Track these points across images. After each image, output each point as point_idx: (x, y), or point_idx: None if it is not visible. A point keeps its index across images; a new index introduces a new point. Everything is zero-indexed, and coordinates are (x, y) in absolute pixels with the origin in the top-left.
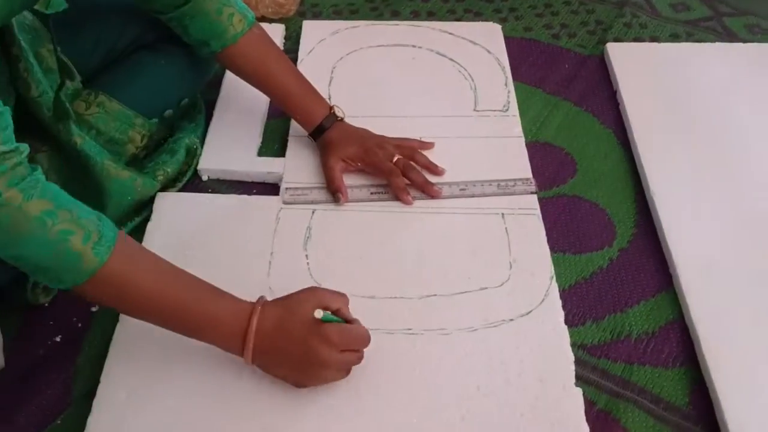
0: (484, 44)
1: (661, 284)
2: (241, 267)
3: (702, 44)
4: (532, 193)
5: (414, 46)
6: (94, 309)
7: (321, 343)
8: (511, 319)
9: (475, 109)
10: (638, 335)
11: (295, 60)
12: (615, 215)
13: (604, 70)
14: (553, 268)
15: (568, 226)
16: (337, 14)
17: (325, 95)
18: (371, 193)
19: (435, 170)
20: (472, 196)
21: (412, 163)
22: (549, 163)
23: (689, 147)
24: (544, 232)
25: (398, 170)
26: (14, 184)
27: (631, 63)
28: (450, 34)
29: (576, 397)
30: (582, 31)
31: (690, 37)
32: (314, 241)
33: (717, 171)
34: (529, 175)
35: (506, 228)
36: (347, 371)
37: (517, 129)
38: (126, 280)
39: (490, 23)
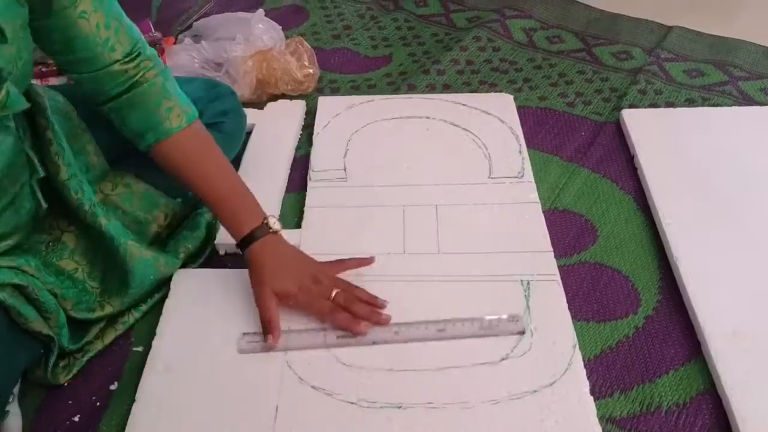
0: (497, 114)
1: (690, 352)
2: (260, 343)
3: (719, 108)
4: (519, 333)
5: (428, 118)
6: (112, 387)
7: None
8: (535, 391)
9: (490, 176)
10: (669, 407)
11: (311, 134)
12: (638, 282)
13: (621, 136)
14: (575, 336)
15: (590, 294)
16: (354, 89)
17: (340, 167)
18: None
19: (375, 303)
20: (453, 338)
21: (353, 294)
22: (569, 230)
23: (711, 211)
24: (564, 299)
25: (337, 309)
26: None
27: (648, 128)
28: (463, 105)
29: None
30: (597, 98)
31: (706, 102)
32: None
33: (741, 234)
34: (547, 240)
35: (526, 294)
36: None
37: (533, 195)
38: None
39: (502, 94)
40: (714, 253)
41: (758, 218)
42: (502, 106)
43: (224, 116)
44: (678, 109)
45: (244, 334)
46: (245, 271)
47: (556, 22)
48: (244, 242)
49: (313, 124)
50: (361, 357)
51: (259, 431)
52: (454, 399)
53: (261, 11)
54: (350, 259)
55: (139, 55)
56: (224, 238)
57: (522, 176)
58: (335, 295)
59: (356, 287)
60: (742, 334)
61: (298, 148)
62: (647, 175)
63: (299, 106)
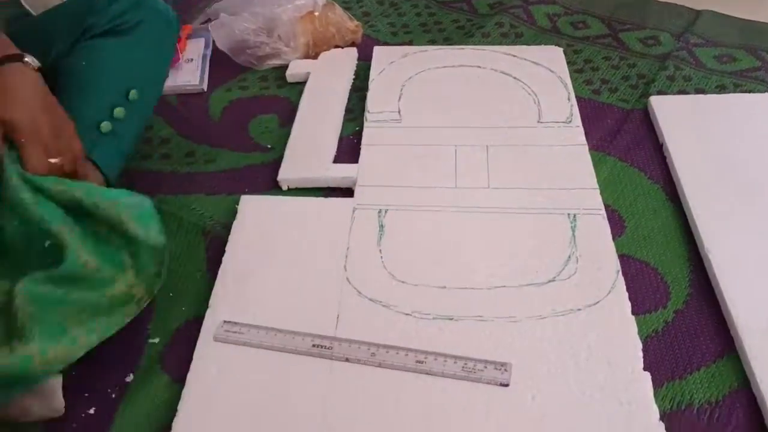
0: (546, 65)
1: (723, 348)
2: (320, 262)
3: (750, 95)
4: (503, 385)
5: (479, 67)
6: (128, 379)
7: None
8: (579, 309)
9: (539, 121)
10: (701, 404)
11: (367, 79)
12: (668, 275)
13: (649, 123)
14: (619, 263)
15: None
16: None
17: (394, 109)
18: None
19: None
20: (429, 373)
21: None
22: None
23: (743, 201)
24: (609, 231)
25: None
26: None
27: (677, 116)
28: (513, 56)
29: (645, 380)
30: (624, 85)
31: (738, 88)
32: (387, 238)
33: None
34: (593, 178)
35: (572, 226)
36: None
37: (581, 137)
38: None
39: (552, 47)
40: (747, 245)
41: None
42: (552, 57)
43: (120, 18)
44: (709, 95)
45: (225, 321)
46: (308, 199)
47: (580, 8)
48: None
49: (364, 73)
50: (414, 275)
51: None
52: (502, 314)
53: None
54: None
55: None
56: (286, 173)
57: (570, 121)
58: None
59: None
60: None
61: (351, 93)
62: (677, 164)
63: (351, 53)
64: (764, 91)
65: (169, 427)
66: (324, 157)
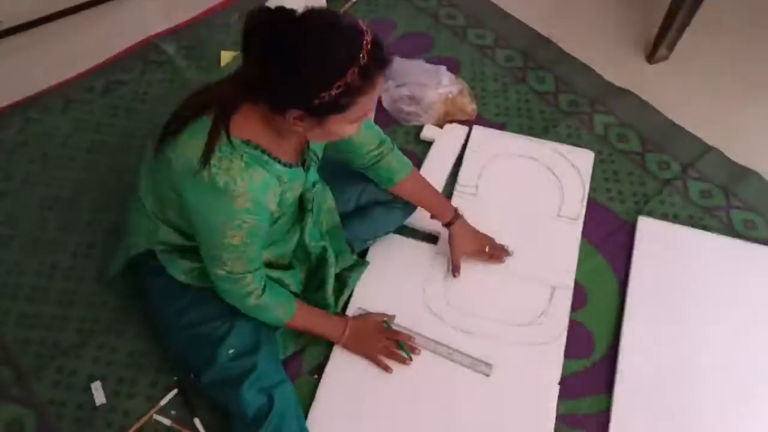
0: (579, 167)
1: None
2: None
3: (709, 234)
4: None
5: (536, 159)
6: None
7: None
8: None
9: (558, 215)
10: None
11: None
12: (598, 338)
13: (633, 235)
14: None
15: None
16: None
17: (473, 183)
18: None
19: (508, 253)
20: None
21: (495, 248)
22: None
23: (666, 321)
24: (570, 302)
25: (491, 256)
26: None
27: (652, 238)
28: (561, 154)
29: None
30: (631, 200)
31: (701, 221)
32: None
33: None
34: (574, 269)
35: (551, 293)
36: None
37: (578, 233)
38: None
39: (587, 151)
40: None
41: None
42: (585, 160)
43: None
44: (684, 228)
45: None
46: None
47: (627, 122)
48: (448, 224)
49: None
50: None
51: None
52: (498, 333)
53: (444, 67)
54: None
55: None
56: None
57: (576, 219)
58: (488, 250)
59: (502, 248)
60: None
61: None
62: (632, 279)
63: (464, 130)
64: (718, 228)
65: None
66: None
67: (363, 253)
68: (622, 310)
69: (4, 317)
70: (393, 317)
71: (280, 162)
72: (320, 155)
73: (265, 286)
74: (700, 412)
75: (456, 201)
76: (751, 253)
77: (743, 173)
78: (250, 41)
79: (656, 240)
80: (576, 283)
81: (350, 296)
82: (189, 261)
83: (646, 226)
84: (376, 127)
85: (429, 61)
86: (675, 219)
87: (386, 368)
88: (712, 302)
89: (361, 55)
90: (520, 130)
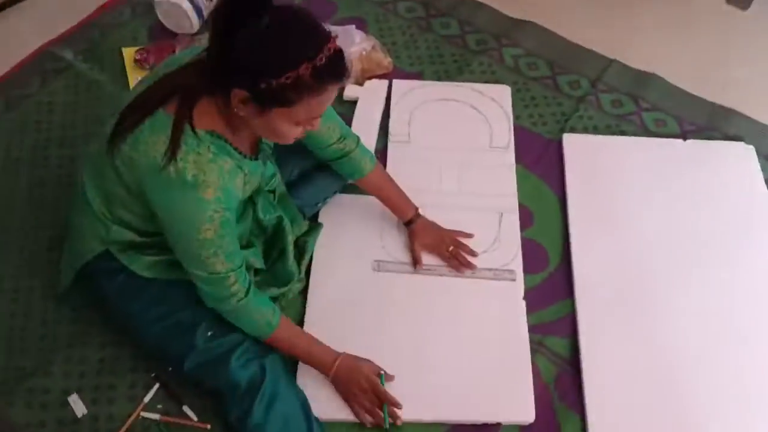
0: (499, 101)
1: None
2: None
3: (626, 138)
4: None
5: (456, 101)
6: None
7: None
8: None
9: (490, 146)
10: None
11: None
12: (551, 250)
13: (561, 153)
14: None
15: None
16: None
17: (405, 132)
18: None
19: (473, 254)
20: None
21: (459, 250)
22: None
23: (606, 221)
24: (518, 224)
25: (453, 255)
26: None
27: (579, 151)
28: (480, 93)
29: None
30: (552, 120)
31: (618, 128)
32: None
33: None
34: (515, 193)
35: (499, 220)
36: (371, 411)
37: (512, 159)
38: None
39: (504, 86)
40: (596, 239)
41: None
42: (503, 94)
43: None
44: (602, 137)
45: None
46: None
47: (534, 51)
48: (408, 222)
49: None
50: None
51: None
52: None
53: (353, 26)
54: (461, 232)
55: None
56: None
57: (507, 147)
58: (451, 249)
59: (463, 245)
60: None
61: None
62: (569, 191)
63: (384, 84)
64: (634, 132)
65: None
66: None
67: (314, 217)
68: (567, 220)
69: None
70: (392, 377)
71: (240, 153)
72: (272, 149)
73: (249, 290)
74: (655, 292)
75: (391, 151)
76: (667, 148)
77: (645, 78)
78: (220, 21)
79: (583, 152)
80: (520, 205)
81: (311, 260)
82: (150, 255)
83: (571, 141)
84: (340, 122)
85: (336, 24)
86: (595, 130)
87: (363, 421)
88: (642, 197)
89: (319, 57)
90: (437, 76)
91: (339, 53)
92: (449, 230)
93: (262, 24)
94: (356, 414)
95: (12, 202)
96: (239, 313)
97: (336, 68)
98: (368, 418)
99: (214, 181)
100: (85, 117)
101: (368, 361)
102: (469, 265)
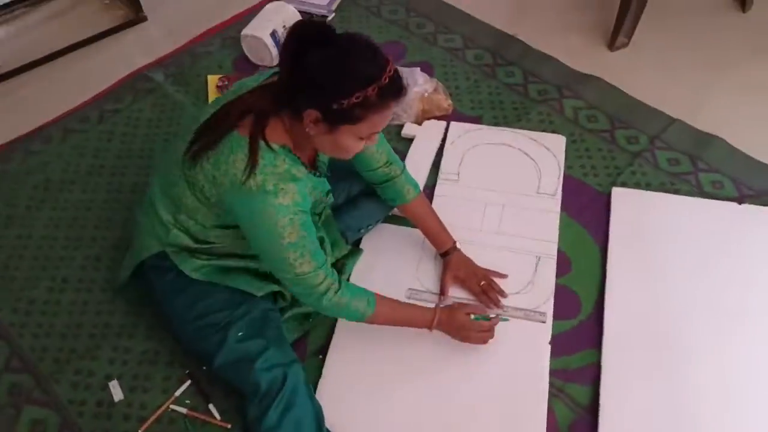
0: (552, 150)
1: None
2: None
3: (678, 196)
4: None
5: (510, 146)
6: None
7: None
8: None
9: (537, 192)
10: (574, 369)
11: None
12: (584, 299)
13: (609, 206)
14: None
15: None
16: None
17: (455, 171)
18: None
19: (502, 294)
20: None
21: (491, 287)
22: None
23: (647, 278)
24: (555, 269)
25: (484, 291)
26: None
27: (627, 206)
28: (534, 140)
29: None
30: (603, 173)
31: (671, 186)
32: None
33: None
34: (556, 240)
35: (536, 263)
36: (484, 341)
37: (558, 207)
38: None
39: (559, 135)
40: (635, 291)
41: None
42: (557, 143)
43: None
44: (655, 193)
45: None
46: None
47: (595, 104)
48: (445, 254)
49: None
50: None
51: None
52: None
53: (418, 68)
54: (494, 271)
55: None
56: None
57: (555, 195)
58: (483, 284)
59: (495, 282)
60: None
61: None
62: (610, 244)
63: (441, 125)
64: (688, 192)
65: None
66: None
67: (356, 243)
68: (605, 272)
69: (21, 330)
70: (485, 313)
71: (305, 166)
72: (327, 168)
73: (340, 282)
74: (685, 356)
75: (440, 187)
76: (721, 210)
77: (707, 139)
78: (291, 47)
79: (631, 206)
80: (559, 252)
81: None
82: (200, 259)
83: (621, 195)
84: (388, 147)
85: (403, 66)
86: (647, 187)
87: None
88: (687, 257)
89: (383, 77)
90: (495, 122)
91: (398, 73)
92: (483, 268)
93: (331, 51)
94: (476, 341)
95: (92, 203)
96: (339, 306)
97: (396, 87)
98: (488, 337)
99: (291, 188)
100: (165, 133)
101: (461, 306)
102: (498, 304)
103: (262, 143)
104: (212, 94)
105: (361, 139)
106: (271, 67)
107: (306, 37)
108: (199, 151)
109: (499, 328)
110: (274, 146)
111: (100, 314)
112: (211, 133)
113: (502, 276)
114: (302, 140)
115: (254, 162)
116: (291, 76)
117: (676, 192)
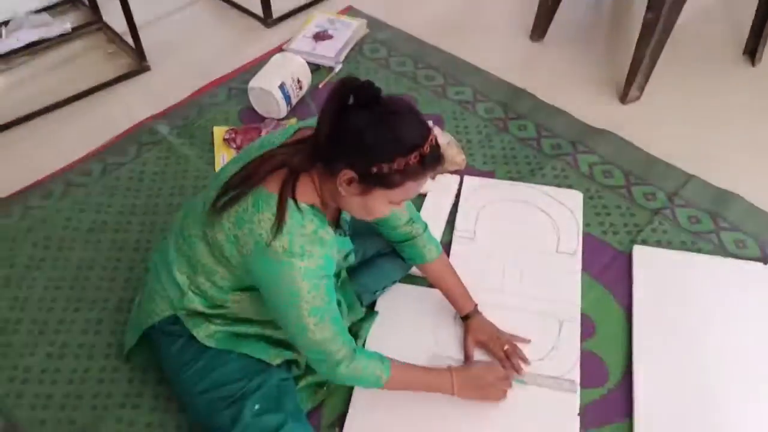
0: (569, 206)
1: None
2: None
3: (706, 256)
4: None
5: (526, 202)
6: None
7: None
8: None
9: (557, 251)
10: None
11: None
12: (611, 366)
13: (630, 263)
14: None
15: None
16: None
17: (471, 228)
18: None
19: (525, 361)
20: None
21: (514, 352)
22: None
23: (673, 341)
24: (579, 333)
25: (507, 357)
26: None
27: (648, 264)
28: (550, 196)
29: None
30: (623, 231)
31: (693, 245)
32: None
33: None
34: (578, 302)
35: (559, 327)
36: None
37: (578, 267)
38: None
39: (576, 192)
40: (665, 367)
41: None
42: (574, 200)
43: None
44: (677, 252)
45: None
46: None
47: (610, 159)
48: (466, 317)
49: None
50: None
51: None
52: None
53: (431, 122)
54: (519, 337)
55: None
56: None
57: (574, 254)
58: (506, 349)
59: (517, 348)
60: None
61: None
62: (635, 304)
63: (455, 180)
64: (711, 251)
65: None
66: None
67: (372, 305)
68: (631, 336)
69: (17, 401)
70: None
71: (332, 227)
72: (349, 226)
73: (355, 349)
74: (719, 423)
75: (456, 246)
76: (746, 270)
77: (726, 196)
78: (336, 104)
79: (653, 266)
80: (582, 315)
81: (363, 346)
82: (213, 324)
83: (642, 254)
84: (410, 206)
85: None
86: (668, 245)
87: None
88: (716, 319)
89: (426, 145)
90: (509, 176)
91: (437, 142)
92: (506, 332)
93: (376, 112)
94: (496, 394)
95: (94, 262)
96: (353, 373)
97: (436, 156)
98: (507, 387)
99: (318, 251)
100: (170, 188)
101: (476, 362)
102: (519, 371)
103: (290, 201)
104: (218, 147)
105: (391, 203)
106: (279, 120)
107: (353, 96)
108: (225, 205)
109: (526, 398)
110: (303, 206)
111: (102, 383)
112: (235, 189)
113: (525, 341)
114: (329, 197)
115: (281, 221)
116: (331, 134)
117: (699, 251)
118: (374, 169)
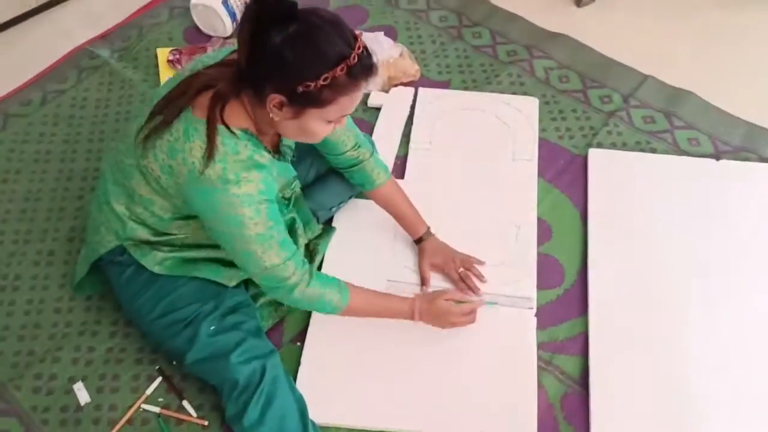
0: (525, 113)
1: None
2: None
3: (656, 155)
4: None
5: (482, 111)
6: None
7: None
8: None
9: (513, 159)
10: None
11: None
12: (567, 266)
13: (586, 167)
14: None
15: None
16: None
17: (427, 140)
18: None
19: (481, 279)
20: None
21: (469, 273)
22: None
23: (624, 235)
24: (535, 237)
25: (462, 279)
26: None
27: (604, 167)
28: (507, 104)
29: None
30: (578, 134)
31: (648, 145)
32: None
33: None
34: (534, 207)
35: (516, 233)
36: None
37: (534, 172)
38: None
39: (531, 98)
40: (616, 260)
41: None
42: (530, 106)
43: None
44: (631, 153)
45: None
46: None
47: (566, 63)
48: (419, 240)
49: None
50: None
51: None
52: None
53: (381, 33)
54: (471, 256)
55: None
56: None
57: (531, 159)
58: (460, 271)
59: (474, 267)
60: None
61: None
62: (591, 207)
63: (410, 92)
64: (665, 150)
65: None
66: None
67: (329, 221)
68: (586, 237)
69: None
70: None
71: (269, 152)
72: (293, 151)
73: (310, 274)
74: (673, 316)
75: (412, 157)
76: (699, 168)
77: (680, 95)
78: (250, 25)
79: (608, 168)
80: (539, 219)
81: (321, 263)
82: (160, 252)
83: (597, 157)
84: (356, 130)
85: (366, 31)
86: (623, 147)
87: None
88: (668, 217)
89: (352, 56)
90: (464, 86)
91: (367, 50)
92: (460, 253)
93: (293, 29)
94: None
95: (40, 192)
96: (310, 298)
97: (367, 65)
98: (470, 321)
99: (255, 176)
100: (115, 114)
101: (440, 293)
102: (476, 292)
103: (221, 127)
104: (163, 69)
105: (330, 122)
106: (226, 38)
107: (266, 14)
108: (151, 133)
109: (485, 317)
110: (235, 130)
111: (59, 312)
112: (161, 114)
113: (480, 262)
114: (265, 124)
115: (212, 148)
116: (251, 58)
117: (653, 151)
118: (300, 89)
